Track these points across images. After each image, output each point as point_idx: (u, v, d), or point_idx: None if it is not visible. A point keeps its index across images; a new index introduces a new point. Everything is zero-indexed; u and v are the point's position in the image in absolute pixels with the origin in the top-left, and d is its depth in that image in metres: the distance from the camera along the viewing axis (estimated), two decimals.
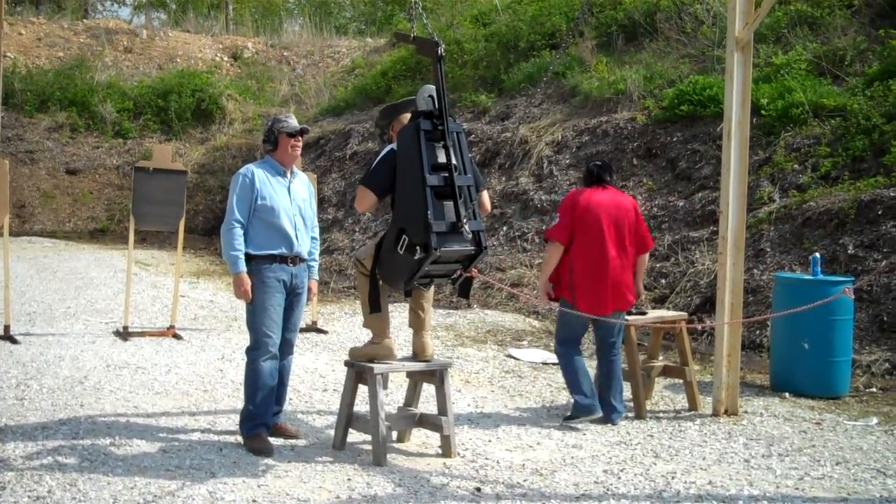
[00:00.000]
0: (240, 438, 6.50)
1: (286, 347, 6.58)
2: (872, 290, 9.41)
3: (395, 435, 6.64)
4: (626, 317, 7.34)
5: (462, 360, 9.42)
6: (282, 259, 6.35)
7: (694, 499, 5.60)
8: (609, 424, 7.14)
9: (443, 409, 6.35)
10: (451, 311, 11.99)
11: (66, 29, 26.68)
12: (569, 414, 7.23)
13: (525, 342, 10.41)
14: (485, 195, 6.61)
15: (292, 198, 6.46)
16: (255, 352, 6.38)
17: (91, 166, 22.28)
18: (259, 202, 6.33)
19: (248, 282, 6.25)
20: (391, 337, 6.39)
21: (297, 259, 6.42)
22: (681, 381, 7.93)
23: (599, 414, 7.16)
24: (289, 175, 6.50)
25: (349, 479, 5.78)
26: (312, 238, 6.67)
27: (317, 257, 6.76)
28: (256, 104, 24.37)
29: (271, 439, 6.47)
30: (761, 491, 5.76)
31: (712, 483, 5.90)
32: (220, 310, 12.18)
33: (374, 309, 6.27)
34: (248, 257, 6.31)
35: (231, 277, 6.43)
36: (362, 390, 6.44)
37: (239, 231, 6.29)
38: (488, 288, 12.57)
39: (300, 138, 6.48)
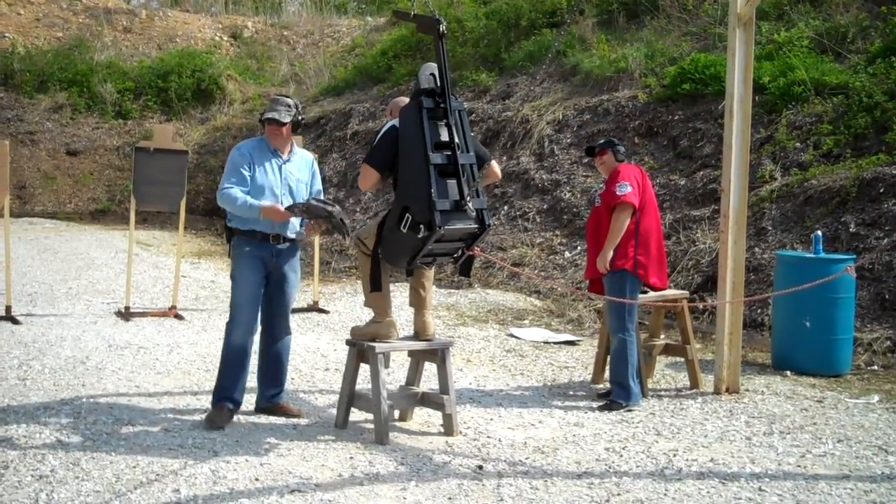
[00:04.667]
0: (241, 417, 6.53)
1: (279, 329, 6.61)
2: (874, 268, 9.40)
3: (397, 414, 6.65)
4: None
5: (463, 340, 9.42)
6: (263, 237, 6.37)
7: (696, 476, 5.62)
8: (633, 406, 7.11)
9: (444, 387, 6.36)
10: (452, 290, 11.99)
11: (65, 9, 26.57)
12: (623, 403, 7.02)
13: (526, 321, 10.42)
14: (494, 164, 6.58)
15: (283, 177, 6.45)
16: (228, 325, 6.48)
17: (91, 147, 22.23)
18: (250, 179, 6.37)
19: (278, 206, 6.28)
20: (392, 316, 6.39)
21: (278, 238, 6.42)
22: (682, 359, 7.94)
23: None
24: (284, 155, 6.51)
25: (351, 458, 5.80)
26: None
27: None
28: (256, 84, 24.29)
29: (273, 419, 6.52)
30: (763, 468, 5.77)
31: (714, 461, 5.91)
32: (222, 290, 12.17)
33: (375, 287, 6.27)
34: (231, 232, 6.43)
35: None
36: (364, 369, 6.45)
37: (232, 189, 6.30)
38: (489, 267, 12.56)
39: (277, 127, 6.42)
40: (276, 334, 6.62)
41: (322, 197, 6.69)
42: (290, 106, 6.45)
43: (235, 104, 23.43)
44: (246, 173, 6.38)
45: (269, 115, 6.42)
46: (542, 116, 15.10)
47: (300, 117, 6.50)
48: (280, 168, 6.47)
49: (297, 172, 6.55)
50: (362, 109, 19.15)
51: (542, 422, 6.74)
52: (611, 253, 7.01)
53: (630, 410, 7.00)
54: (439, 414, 6.47)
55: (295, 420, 6.57)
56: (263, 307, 6.60)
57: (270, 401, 6.68)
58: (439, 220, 5.71)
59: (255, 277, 6.43)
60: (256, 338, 6.57)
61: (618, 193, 6.98)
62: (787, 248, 10.12)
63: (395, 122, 6.15)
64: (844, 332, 8.21)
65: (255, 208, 6.27)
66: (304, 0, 29.72)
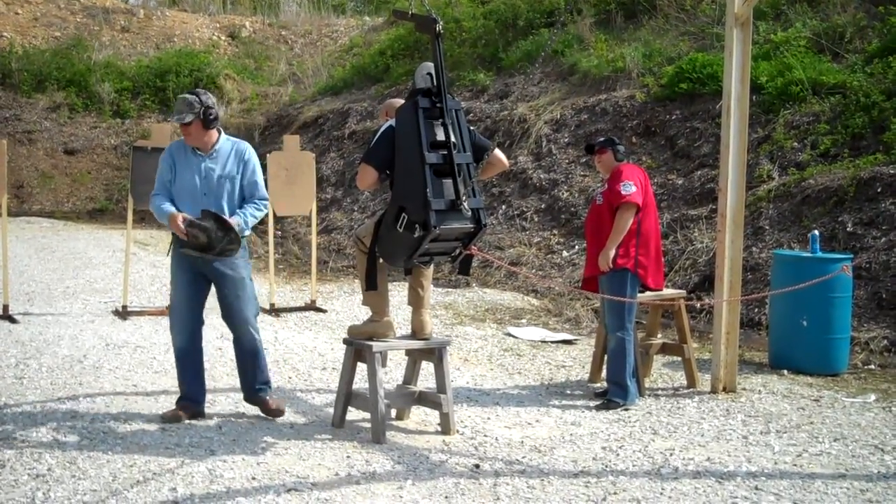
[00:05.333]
0: (238, 416, 6.57)
1: (237, 329, 6.49)
2: (871, 267, 9.40)
3: (394, 413, 6.65)
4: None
5: (461, 339, 9.42)
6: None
7: (692, 475, 5.62)
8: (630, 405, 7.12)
9: (442, 386, 6.35)
10: (449, 289, 12.00)
11: (63, 9, 26.56)
12: (620, 402, 7.02)
13: (524, 320, 10.42)
14: (498, 152, 6.53)
15: (204, 176, 6.35)
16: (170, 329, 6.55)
17: (89, 146, 22.22)
18: (173, 182, 6.37)
19: (178, 216, 6.19)
20: (390, 315, 6.40)
21: None
22: (679, 358, 7.94)
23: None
24: (206, 152, 6.38)
25: (348, 457, 5.80)
26: (256, 202, 6.49)
27: (246, 216, 6.40)
28: (254, 83, 24.27)
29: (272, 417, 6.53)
30: (759, 467, 5.78)
31: (710, 460, 5.91)
32: None
33: (371, 286, 6.27)
34: (173, 234, 6.39)
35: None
36: (361, 368, 6.45)
37: (157, 198, 6.36)
38: (487, 266, 12.57)
39: (182, 128, 6.32)
40: (237, 336, 6.52)
41: (258, 193, 6.47)
42: (191, 104, 6.26)
43: (233, 104, 23.40)
44: (167, 178, 6.39)
45: (172, 118, 6.40)
46: (539, 116, 15.10)
47: (209, 112, 6.27)
48: (200, 166, 6.36)
49: (218, 168, 6.38)
50: (360, 109, 19.14)
51: (540, 421, 6.74)
52: (613, 251, 7.02)
53: (627, 409, 7.01)
54: (436, 413, 6.47)
55: (292, 419, 6.57)
56: (221, 312, 6.56)
57: (253, 394, 6.61)
58: (435, 220, 5.71)
59: (186, 279, 6.42)
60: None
61: (623, 193, 6.98)
62: (784, 247, 10.13)
63: (393, 121, 6.16)
64: (841, 331, 8.22)
65: (165, 214, 6.27)
66: (302, 0, 29.71)
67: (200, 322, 6.54)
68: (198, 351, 6.54)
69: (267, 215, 8.81)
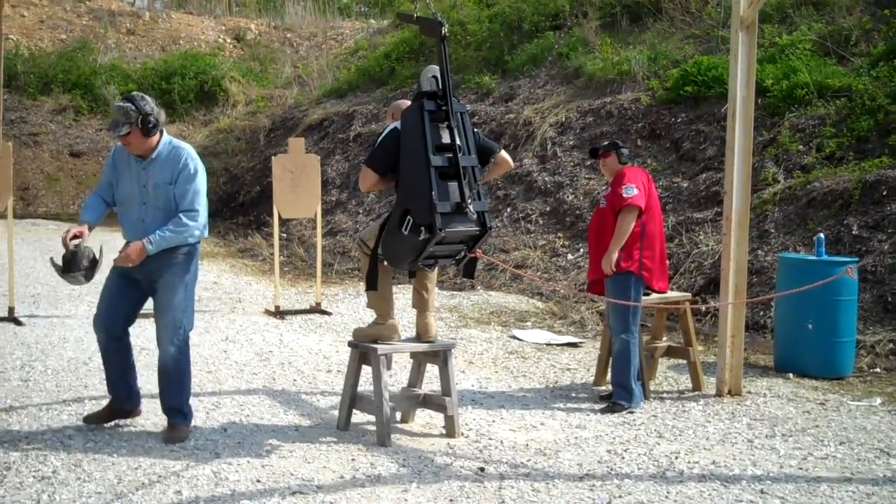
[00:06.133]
0: (243, 419, 6.55)
1: (158, 339, 6.09)
2: (877, 270, 9.39)
3: (398, 415, 6.65)
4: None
5: (466, 341, 9.42)
6: (126, 244, 6.05)
7: (697, 479, 5.61)
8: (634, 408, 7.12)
9: (446, 389, 6.35)
10: (454, 292, 11.99)
11: (69, 11, 26.65)
12: (625, 405, 7.02)
13: (529, 323, 10.41)
14: (503, 153, 6.51)
15: (142, 184, 6.03)
16: None
17: (95, 148, 22.29)
18: (114, 185, 6.16)
19: (72, 231, 5.95)
20: (395, 318, 6.40)
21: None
22: (684, 361, 7.93)
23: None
24: (148, 159, 6.03)
25: (353, 460, 5.80)
26: (180, 217, 5.99)
27: (164, 232, 5.96)
28: (259, 86, 24.33)
29: (276, 420, 6.52)
30: (765, 471, 5.77)
31: (716, 463, 5.91)
32: (224, 291, 12.19)
33: (371, 287, 6.27)
34: None
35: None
36: (366, 371, 6.44)
37: (90, 197, 6.18)
38: (492, 269, 12.56)
39: (121, 138, 5.99)
40: (159, 346, 6.14)
41: (186, 204, 5.98)
42: (127, 113, 5.84)
43: (239, 106, 23.47)
44: (105, 181, 6.18)
45: (108, 130, 6.17)
46: (544, 119, 15.10)
47: (148, 120, 5.88)
48: (140, 174, 6.05)
49: (154, 176, 5.99)
50: (365, 111, 19.17)
51: (544, 424, 6.74)
52: (616, 254, 7.01)
53: (632, 412, 7.00)
54: (441, 416, 6.47)
55: (297, 422, 6.57)
56: None
57: (164, 411, 6.21)
58: (440, 223, 5.71)
59: (116, 282, 6.15)
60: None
61: (624, 196, 6.98)
62: (789, 250, 10.11)
63: (397, 124, 6.16)
64: (847, 334, 8.20)
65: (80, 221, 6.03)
66: (308, 2, 29.75)
67: (124, 323, 6.15)
68: (112, 354, 6.16)
69: (272, 217, 8.75)
